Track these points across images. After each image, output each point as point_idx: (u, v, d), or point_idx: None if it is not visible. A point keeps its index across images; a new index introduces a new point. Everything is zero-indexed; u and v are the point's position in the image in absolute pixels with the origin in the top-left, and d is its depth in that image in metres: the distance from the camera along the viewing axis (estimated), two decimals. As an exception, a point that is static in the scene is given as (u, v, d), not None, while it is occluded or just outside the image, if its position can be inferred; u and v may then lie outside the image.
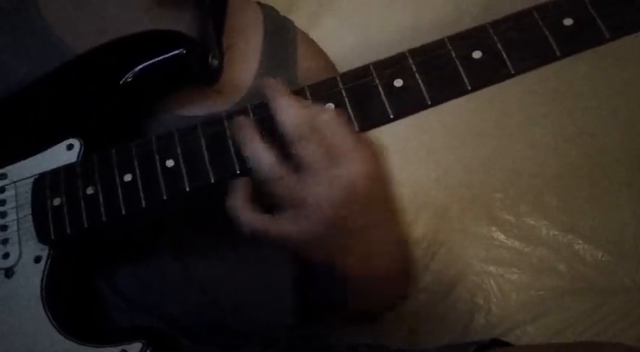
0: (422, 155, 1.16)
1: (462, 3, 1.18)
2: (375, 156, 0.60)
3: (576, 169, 1.15)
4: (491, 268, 1.09)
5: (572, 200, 1.13)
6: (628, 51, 1.19)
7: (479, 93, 1.32)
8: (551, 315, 1.06)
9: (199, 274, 0.75)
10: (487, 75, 0.61)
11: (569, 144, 1.16)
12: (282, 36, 0.88)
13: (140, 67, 0.71)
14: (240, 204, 0.62)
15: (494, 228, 1.12)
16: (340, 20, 1.19)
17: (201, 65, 0.72)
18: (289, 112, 0.60)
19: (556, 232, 1.11)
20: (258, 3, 0.91)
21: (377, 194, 0.61)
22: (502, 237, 1.12)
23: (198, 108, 0.76)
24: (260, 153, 0.60)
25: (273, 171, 0.59)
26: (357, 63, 0.63)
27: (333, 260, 0.66)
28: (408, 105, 0.61)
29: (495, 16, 0.62)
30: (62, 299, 0.69)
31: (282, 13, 0.92)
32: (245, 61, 0.83)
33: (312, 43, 0.93)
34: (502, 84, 1.28)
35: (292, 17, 0.93)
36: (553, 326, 1.05)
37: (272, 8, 0.91)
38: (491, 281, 1.08)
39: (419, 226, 1.12)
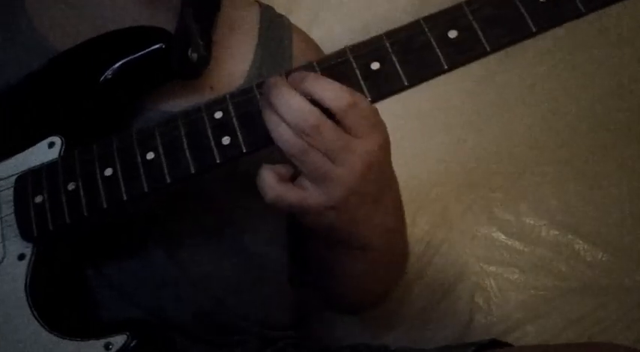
0: (422, 155, 1.16)
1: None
2: (383, 125, 0.64)
3: (576, 169, 1.15)
4: (491, 268, 1.09)
5: (572, 200, 1.13)
6: (629, 51, 1.19)
7: (479, 92, 1.32)
8: (551, 315, 1.05)
9: (192, 269, 0.75)
10: (463, 54, 0.61)
11: (569, 144, 1.16)
12: (277, 32, 0.88)
13: (119, 63, 0.71)
14: (265, 171, 0.64)
15: (494, 228, 1.12)
16: (340, 20, 1.19)
17: (181, 60, 0.72)
18: (332, 90, 0.61)
19: (556, 232, 1.11)
20: (257, 1, 0.91)
21: (387, 161, 0.66)
22: (502, 237, 1.11)
23: (189, 105, 0.75)
24: (284, 129, 0.61)
25: (300, 147, 0.61)
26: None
27: (355, 228, 0.68)
28: (385, 87, 0.62)
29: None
30: (47, 296, 0.69)
31: (282, 12, 0.92)
32: (239, 56, 0.83)
33: (307, 40, 0.93)
34: (503, 84, 1.28)
35: (292, 17, 0.93)
36: (553, 326, 1.05)
37: (269, 6, 0.92)
38: (492, 281, 1.08)
39: (419, 226, 1.12)
